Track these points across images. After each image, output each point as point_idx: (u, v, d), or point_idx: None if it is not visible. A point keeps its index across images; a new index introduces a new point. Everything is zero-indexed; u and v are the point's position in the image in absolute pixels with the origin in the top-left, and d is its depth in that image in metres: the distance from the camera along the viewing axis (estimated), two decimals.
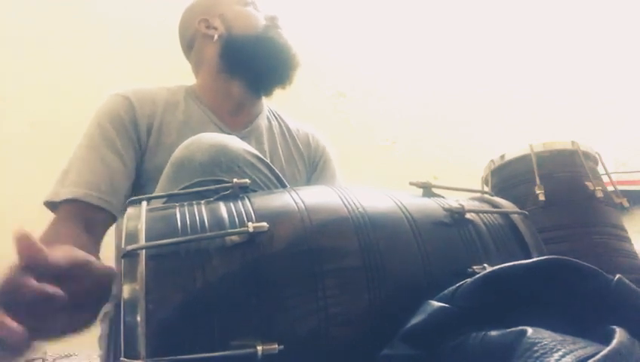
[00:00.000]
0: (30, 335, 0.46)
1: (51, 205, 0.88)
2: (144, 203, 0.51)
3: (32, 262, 0.48)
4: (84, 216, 0.86)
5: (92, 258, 0.56)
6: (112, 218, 0.88)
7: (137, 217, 0.48)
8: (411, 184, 0.63)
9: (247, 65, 1.04)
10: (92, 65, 1.83)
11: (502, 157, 1.03)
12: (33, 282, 0.47)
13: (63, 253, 0.52)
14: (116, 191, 0.89)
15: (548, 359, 0.33)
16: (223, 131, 1.01)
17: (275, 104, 1.17)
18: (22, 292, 0.47)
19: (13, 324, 0.45)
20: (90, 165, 0.89)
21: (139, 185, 0.93)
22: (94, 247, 0.85)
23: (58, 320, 0.51)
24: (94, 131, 0.93)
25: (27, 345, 0.48)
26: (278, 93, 1.09)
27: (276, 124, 1.12)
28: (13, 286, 0.47)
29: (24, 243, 0.47)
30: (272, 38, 1.05)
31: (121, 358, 0.38)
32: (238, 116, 1.06)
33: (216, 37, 1.05)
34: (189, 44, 1.12)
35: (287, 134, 1.12)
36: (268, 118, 1.12)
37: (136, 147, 0.94)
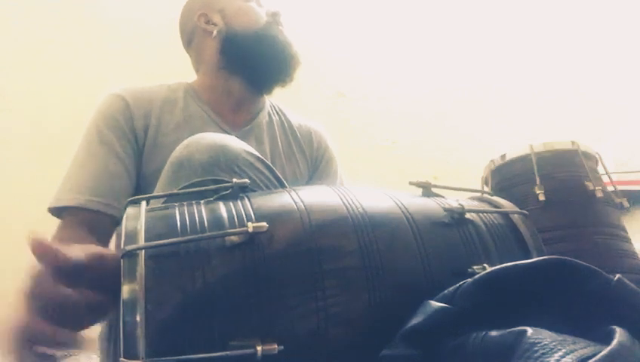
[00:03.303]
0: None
1: (55, 211, 0.88)
2: (143, 203, 0.51)
3: (53, 265, 0.48)
4: (88, 222, 0.86)
5: (106, 250, 0.56)
6: (116, 222, 0.88)
7: (137, 217, 0.48)
8: (411, 184, 0.63)
9: (247, 63, 1.03)
10: (92, 65, 1.83)
11: (502, 157, 1.03)
12: (65, 290, 0.48)
13: (79, 249, 0.52)
14: (118, 195, 0.88)
15: (548, 359, 0.33)
16: (223, 129, 1.00)
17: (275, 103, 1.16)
18: (53, 298, 0.48)
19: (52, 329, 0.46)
20: (90, 170, 0.89)
21: (140, 186, 0.93)
22: None
23: (81, 317, 0.52)
24: (92, 136, 0.93)
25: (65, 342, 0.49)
26: (278, 91, 1.08)
27: (277, 120, 1.11)
28: (43, 293, 0.48)
29: (40, 247, 0.47)
30: (272, 36, 1.03)
31: (121, 358, 0.38)
32: (238, 114, 1.05)
33: (215, 33, 1.04)
34: (189, 39, 1.11)
35: (288, 130, 1.11)
36: (269, 114, 1.10)
37: (134, 148, 0.94)
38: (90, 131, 0.94)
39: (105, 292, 0.53)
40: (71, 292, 0.49)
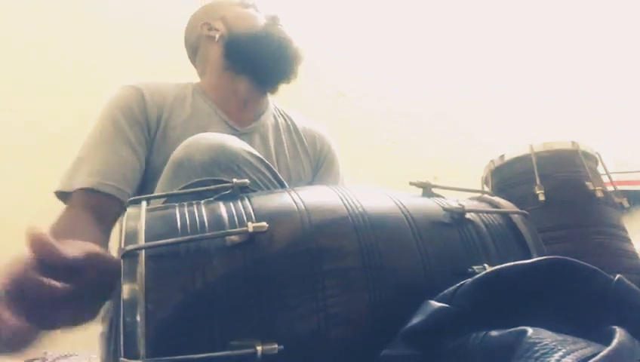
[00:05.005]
0: (31, 328, 0.47)
1: (62, 195, 0.89)
2: (144, 202, 0.52)
3: (43, 257, 0.47)
4: (97, 206, 0.86)
5: (101, 250, 0.56)
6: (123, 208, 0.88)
7: (137, 217, 0.48)
8: (411, 184, 0.63)
9: (250, 62, 1.05)
10: (92, 65, 1.83)
11: (502, 157, 1.03)
12: (42, 279, 0.47)
13: (73, 246, 0.52)
14: (129, 182, 0.90)
15: (548, 359, 0.33)
16: (229, 126, 1.03)
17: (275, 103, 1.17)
18: (30, 287, 0.47)
19: (14, 321, 0.45)
20: (103, 155, 0.90)
21: (146, 177, 0.94)
22: (105, 238, 0.86)
23: (62, 313, 0.51)
24: (106, 123, 0.94)
25: (27, 340, 0.48)
26: (283, 88, 1.10)
27: (282, 122, 1.13)
28: (21, 281, 0.47)
29: (37, 241, 0.47)
30: (272, 34, 1.06)
31: (121, 358, 0.38)
32: (243, 113, 1.07)
33: (217, 37, 1.08)
34: (194, 49, 1.14)
35: (293, 132, 1.13)
36: (274, 116, 1.13)
37: (147, 138, 0.96)
38: (103, 118, 0.95)
39: (96, 293, 0.53)
40: (58, 287, 0.48)
